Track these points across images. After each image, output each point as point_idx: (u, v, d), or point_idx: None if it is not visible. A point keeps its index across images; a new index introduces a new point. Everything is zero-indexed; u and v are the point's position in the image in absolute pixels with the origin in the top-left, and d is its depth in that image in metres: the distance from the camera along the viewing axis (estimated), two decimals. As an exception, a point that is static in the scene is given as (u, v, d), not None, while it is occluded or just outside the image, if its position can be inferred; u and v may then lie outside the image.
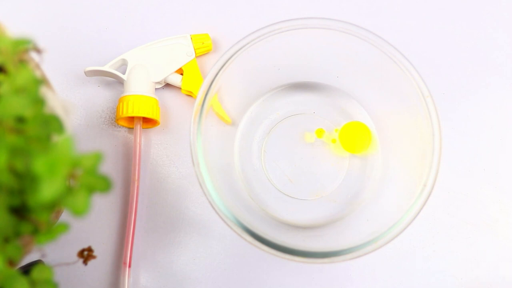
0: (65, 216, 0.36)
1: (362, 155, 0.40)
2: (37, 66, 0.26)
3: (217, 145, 0.38)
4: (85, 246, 0.29)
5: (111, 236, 0.39)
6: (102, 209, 0.39)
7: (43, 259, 0.37)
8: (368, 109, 0.40)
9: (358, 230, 0.36)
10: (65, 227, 0.23)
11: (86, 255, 0.29)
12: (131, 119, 0.40)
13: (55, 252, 0.38)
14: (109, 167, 0.40)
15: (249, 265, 0.39)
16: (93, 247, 0.29)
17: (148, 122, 0.40)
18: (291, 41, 0.35)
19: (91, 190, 0.21)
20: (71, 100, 0.41)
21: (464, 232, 0.39)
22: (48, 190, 0.19)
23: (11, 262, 0.23)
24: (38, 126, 0.22)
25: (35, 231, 0.22)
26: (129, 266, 0.38)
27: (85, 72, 0.40)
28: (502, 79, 0.42)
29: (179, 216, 0.39)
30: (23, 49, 0.23)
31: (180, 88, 0.41)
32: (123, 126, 0.41)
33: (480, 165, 0.40)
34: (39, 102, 0.22)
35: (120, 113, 0.39)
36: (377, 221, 0.34)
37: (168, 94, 0.41)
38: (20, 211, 0.22)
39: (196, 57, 0.41)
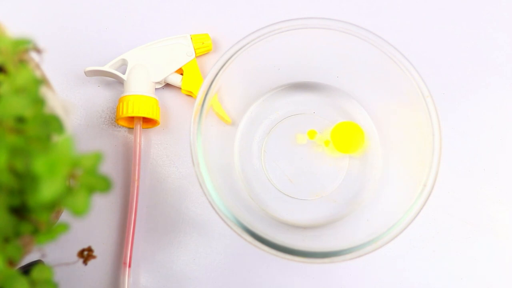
0: (65, 216, 0.36)
1: (357, 154, 0.40)
2: (37, 66, 0.26)
3: (217, 145, 0.38)
4: (85, 246, 0.29)
5: (111, 236, 0.39)
6: (102, 209, 0.39)
7: (43, 259, 0.37)
8: (368, 109, 0.40)
9: (358, 230, 0.36)
10: (65, 227, 0.23)
11: (86, 255, 0.29)
12: (131, 119, 0.40)
13: (55, 252, 0.38)
14: (109, 167, 0.40)
15: (249, 265, 0.39)
16: (93, 247, 0.29)
17: (148, 122, 0.40)
18: (291, 41, 0.35)
19: (91, 190, 0.21)
20: (71, 100, 0.41)
21: (464, 232, 0.39)
22: (48, 190, 0.19)
23: (11, 262, 0.23)
24: (38, 126, 0.22)
25: (35, 231, 0.22)
26: (129, 266, 0.38)
27: (85, 72, 0.40)
28: (502, 79, 0.42)
29: (179, 216, 0.39)
30: (23, 49, 0.23)
31: (180, 88, 0.41)
32: (123, 126, 0.41)
33: (480, 165, 0.40)
34: (39, 102, 0.22)
35: (120, 113, 0.39)
36: (377, 221, 0.34)
37: (168, 94, 0.41)
38: (20, 211, 0.22)
39: (196, 57, 0.41)
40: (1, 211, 0.21)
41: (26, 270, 0.34)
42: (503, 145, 0.41)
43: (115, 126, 0.41)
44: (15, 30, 0.26)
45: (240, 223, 0.32)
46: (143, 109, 0.39)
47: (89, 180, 0.21)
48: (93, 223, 0.39)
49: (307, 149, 0.40)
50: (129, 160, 0.40)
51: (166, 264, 0.39)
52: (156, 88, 0.41)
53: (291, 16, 0.35)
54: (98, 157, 0.21)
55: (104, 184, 0.21)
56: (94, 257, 0.29)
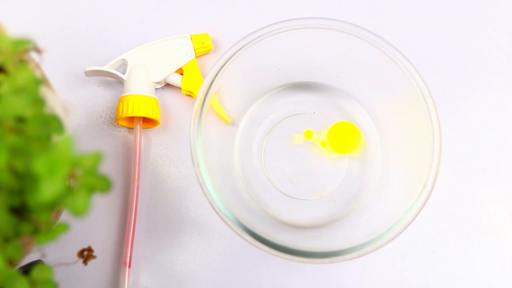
0: (65, 216, 0.36)
1: (355, 154, 0.40)
2: (37, 66, 0.26)
3: (217, 145, 0.38)
4: (85, 246, 0.29)
5: (111, 236, 0.39)
6: (102, 209, 0.39)
7: (43, 259, 0.37)
8: (368, 109, 0.40)
9: (358, 230, 0.36)
10: (65, 227, 0.23)
11: (86, 255, 0.29)
12: (131, 119, 0.40)
13: (55, 252, 0.38)
14: (109, 167, 0.40)
15: (249, 265, 0.39)
16: (93, 247, 0.29)
17: (148, 122, 0.40)
18: (291, 41, 0.35)
19: (91, 190, 0.21)
20: (71, 100, 0.41)
21: (464, 232, 0.39)
22: (48, 190, 0.19)
23: (11, 262, 0.23)
24: (38, 126, 0.22)
25: (35, 231, 0.22)
26: (129, 266, 0.38)
27: (85, 72, 0.40)
28: (502, 79, 0.42)
29: (179, 216, 0.39)
30: (23, 49, 0.23)
31: (180, 88, 0.41)
32: (123, 126, 0.41)
33: (480, 165, 0.40)
34: (39, 102, 0.22)
35: (120, 113, 0.39)
36: (377, 221, 0.34)
37: (168, 94, 0.41)
38: (20, 211, 0.22)
39: (196, 57, 0.41)
40: (1, 211, 0.21)
41: (26, 270, 0.34)
42: (503, 145, 0.41)
43: (115, 126, 0.41)
44: (15, 30, 0.26)
45: (240, 223, 0.32)
46: (143, 109, 0.39)
47: (89, 180, 0.21)
48: (93, 223, 0.39)
49: (307, 149, 0.40)
50: (129, 160, 0.40)
51: (166, 264, 0.39)
52: (156, 88, 0.41)
53: (291, 16, 0.35)
54: (98, 157, 0.21)
55: (104, 184, 0.21)
56: (94, 257, 0.29)
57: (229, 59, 0.34)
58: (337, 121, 0.40)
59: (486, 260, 0.39)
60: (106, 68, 0.40)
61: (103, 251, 0.39)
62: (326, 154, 0.39)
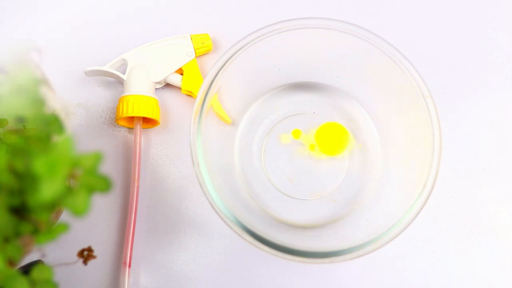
0: (65, 216, 0.36)
1: (350, 154, 0.40)
2: (37, 66, 0.26)
3: (217, 145, 0.38)
4: (85, 246, 0.29)
5: (111, 236, 0.39)
6: (102, 209, 0.39)
7: (43, 259, 0.37)
8: (368, 109, 0.40)
9: (358, 230, 0.36)
10: (65, 227, 0.23)
11: (86, 255, 0.29)
12: (131, 119, 0.40)
13: (55, 252, 0.38)
14: (109, 167, 0.40)
15: (249, 265, 0.39)
16: (93, 247, 0.29)
17: (148, 122, 0.40)
18: (291, 41, 0.35)
19: (91, 190, 0.21)
20: (71, 100, 0.41)
21: (464, 232, 0.39)
22: (48, 190, 0.19)
23: (11, 262, 0.23)
24: (38, 126, 0.22)
25: (35, 231, 0.22)
26: (129, 266, 0.38)
27: (85, 72, 0.40)
28: (502, 79, 0.42)
29: (179, 216, 0.39)
30: (23, 49, 0.23)
31: (180, 88, 0.41)
32: (123, 126, 0.41)
33: (480, 165, 0.40)
34: (39, 102, 0.22)
35: (120, 113, 0.39)
36: (377, 221, 0.34)
37: (168, 94, 0.41)
38: (20, 211, 0.22)
39: (196, 57, 0.41)
40: (1, 211, 0.21)
41: (26, 270, 0.33)
42: (503, 145, 0.41)
43: (115, 126, 0.41)
44: (15, 30, 0.26)
45: (240, 223, 0.32)
46: (143, 109, 0.39)
47: (89, 180, 0.21)
48: (93, 223, 0.39)
49: (307, 149, 0.40)
50: (129, 160, 0.40)
51: (166, 264, 0.39)
52: (156, 88, 0.41)
53: (291, 16, 0.35)
54: (98, 157, 0.21)
55: (104, 184, 0.21)
56: (94, 257, 0.29)
57: (229, 59, 0.34)
58: (338, 121, 0.40)
59: (486, 260, 0.39)
60: (106, 68, 0.40)
61: (103, 251, 0.39)
62: (315, 157, 0.39)
